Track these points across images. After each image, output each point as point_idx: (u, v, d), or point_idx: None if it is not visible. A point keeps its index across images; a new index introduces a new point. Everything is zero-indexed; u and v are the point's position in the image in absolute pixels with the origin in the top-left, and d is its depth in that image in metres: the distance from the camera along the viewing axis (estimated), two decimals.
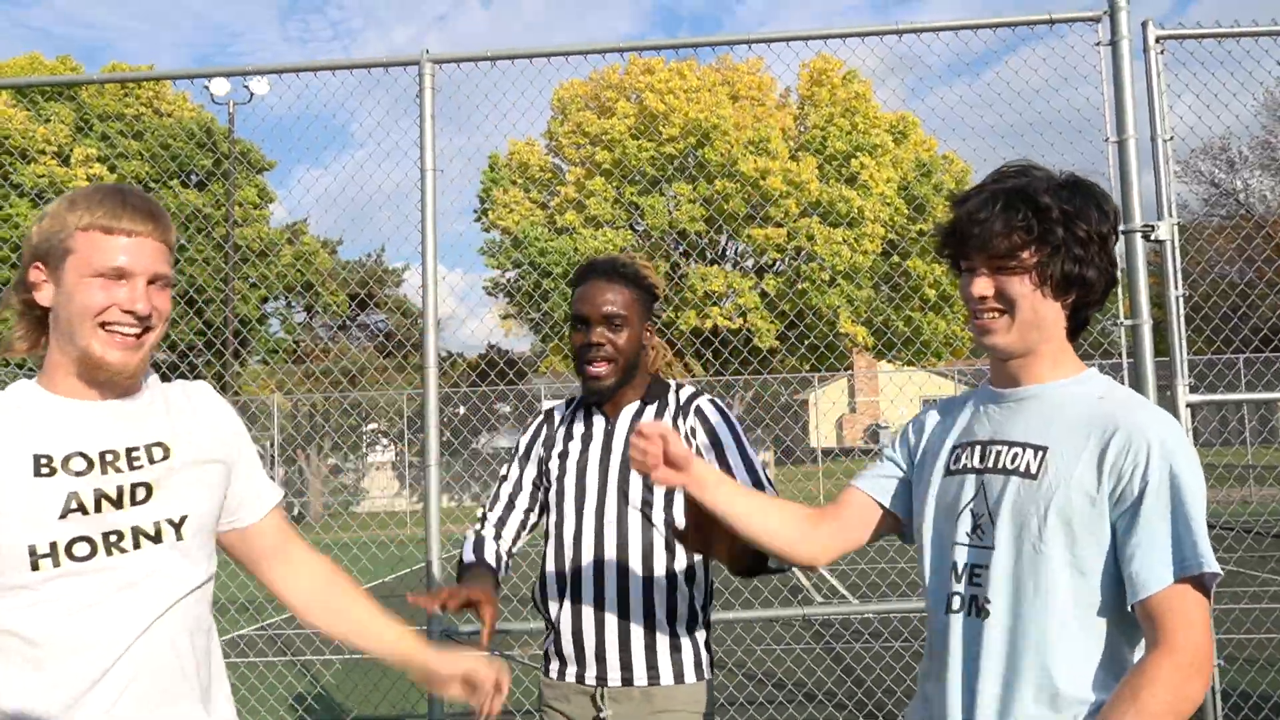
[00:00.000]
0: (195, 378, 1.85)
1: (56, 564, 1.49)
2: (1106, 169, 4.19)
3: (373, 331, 31.36)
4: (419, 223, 4.45)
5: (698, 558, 2.21)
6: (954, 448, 1.70)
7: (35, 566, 1.48)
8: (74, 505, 1.52)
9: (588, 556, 2.22)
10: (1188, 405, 4.14)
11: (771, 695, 6.19)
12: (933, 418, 1.81)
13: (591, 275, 2.29)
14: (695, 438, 2.26)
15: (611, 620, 2.19)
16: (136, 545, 1.57)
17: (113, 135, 24.62)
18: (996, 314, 1.61)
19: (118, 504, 1.56)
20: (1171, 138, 4.24)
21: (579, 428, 2.35)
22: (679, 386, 2.37)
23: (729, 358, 25.16)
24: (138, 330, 1.58)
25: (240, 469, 1.78)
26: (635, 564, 2.19)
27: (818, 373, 25.61)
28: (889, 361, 28.40)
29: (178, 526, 1.62)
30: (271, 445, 22.27)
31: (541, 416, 2.46)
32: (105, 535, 1.54)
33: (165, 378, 1.81)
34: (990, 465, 1.62)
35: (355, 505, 25.60)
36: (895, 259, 24.72)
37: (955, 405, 1.80)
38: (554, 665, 2.29)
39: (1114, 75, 4.22)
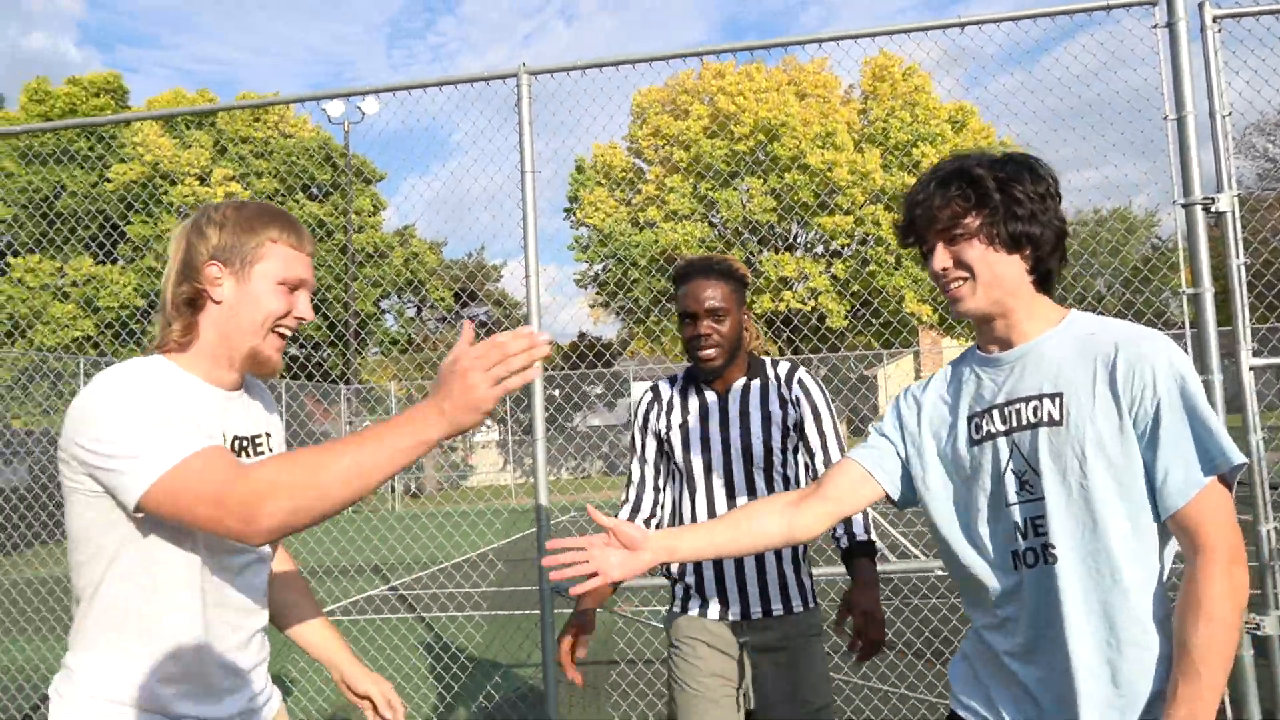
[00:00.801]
0: (321, 370, 1.89)
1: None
2: (1166, 145, 4.04)
3: (475, 323, 31.88)
4: (519, 220, 4.53)
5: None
6: (970, 418, 1.68)
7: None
8: None
9: (721, 508, 2.40)
10: (1250, 369, 3.99)
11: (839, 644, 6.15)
12: (927, 395, 1.78)
13: (693, 275, 2.43)
14: (799, 406, 2.45)
15: (751, 563, 2.39)
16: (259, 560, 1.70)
17: (245, 156, 25.46)
18: (961, 281, 1.62)
19: None
20: (1230, 113, 4.07)
21: (693, 402, 2.49)
22: (775, 362, 2.52)
23: (802, 338, 24.92)
24: (291, 335, 1.66)
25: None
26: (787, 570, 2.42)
27: (887, 349, 25.21)
28: (953, 338, 27.82)
29: None
30: None
31: (650, 395, 2.59)
32: None
33: (295, 374, 1.89)
34: (1016, 424, 1.61)
35: (465, 480, 26.14)
36: None
37: (946, 380, 1.78)
38: (695, 604, 2.44)
39: (1171, 56, 4.07)
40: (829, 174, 24.62)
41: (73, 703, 1.50)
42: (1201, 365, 3.97)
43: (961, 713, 1.73)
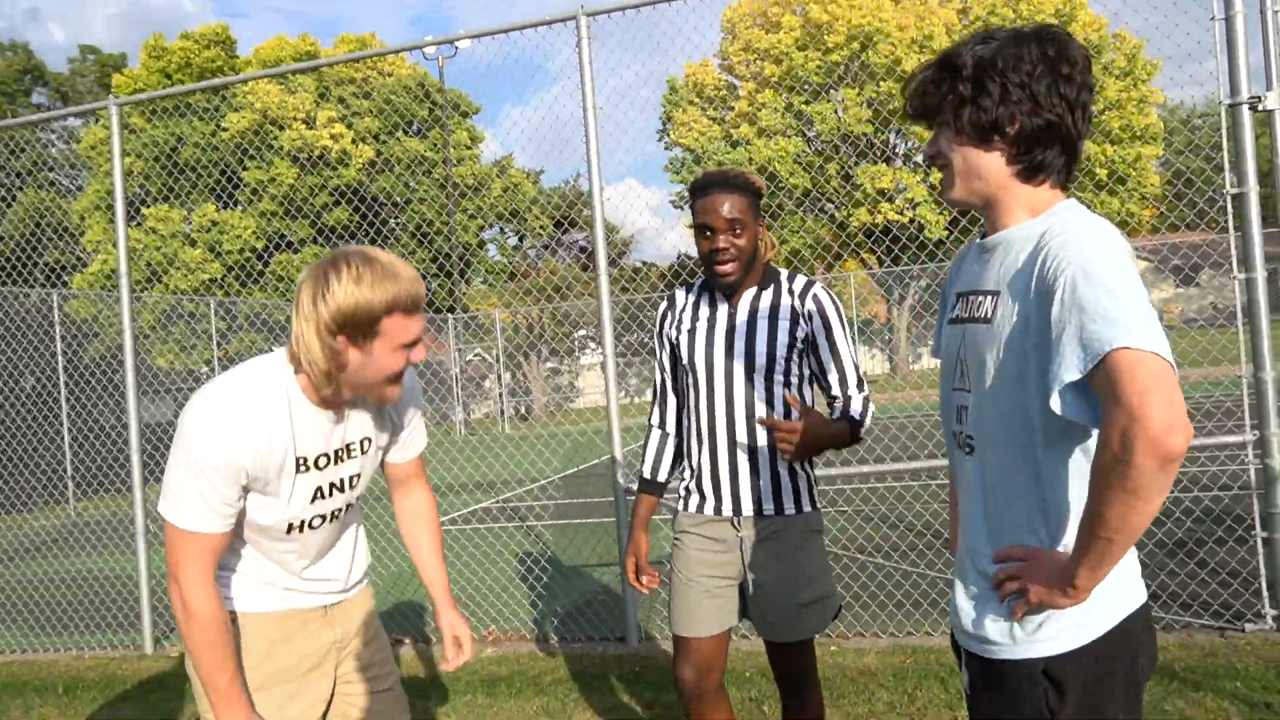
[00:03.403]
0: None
1: (301, 530, 1.95)
2: (1213, 45, 4.05)
3: (575, 249, 32.40)
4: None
5: (804, 402, 2.52)
6: (957, 295, 1.69)
7: (288, 532, 1.94)
8: (319, 495, 1.94)
9: (721, 413, 2.49)
10: None
11: (915, 542, 6.45)
12: (954, 267, 1.78)
13: (710, 188, 2.44)
14: (810, 321, 2.48)
15: (743, 462, 2.47)
16: (345, 513, 2.05)
17: (347, 98, 26.28)
18: (943, 169, 1.59)
19: (341, 489, 1.99)
20: None
21: (705, 311, 2.56)
22: (792, 275, 2.56)
23: (901, 248, 24.51)
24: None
25: (413, 424, 2.16)
26: (759, 415, 2.47)
27: None
28: None
29: (356, 479, 2.06)
30: (497, 353, 23.76)
31: (666, 302, 2.70)
32: (333, 511, 1.99)
33: None
34: (968, 315, 1.60)
35: (572, 402, 26.99)
36: None
37: (962, 254, 1.76)
38: (694, 500, 2.56)
39: None
40: None
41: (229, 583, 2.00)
42: (1246, 265, 4.04)
43: None
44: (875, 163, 25.80)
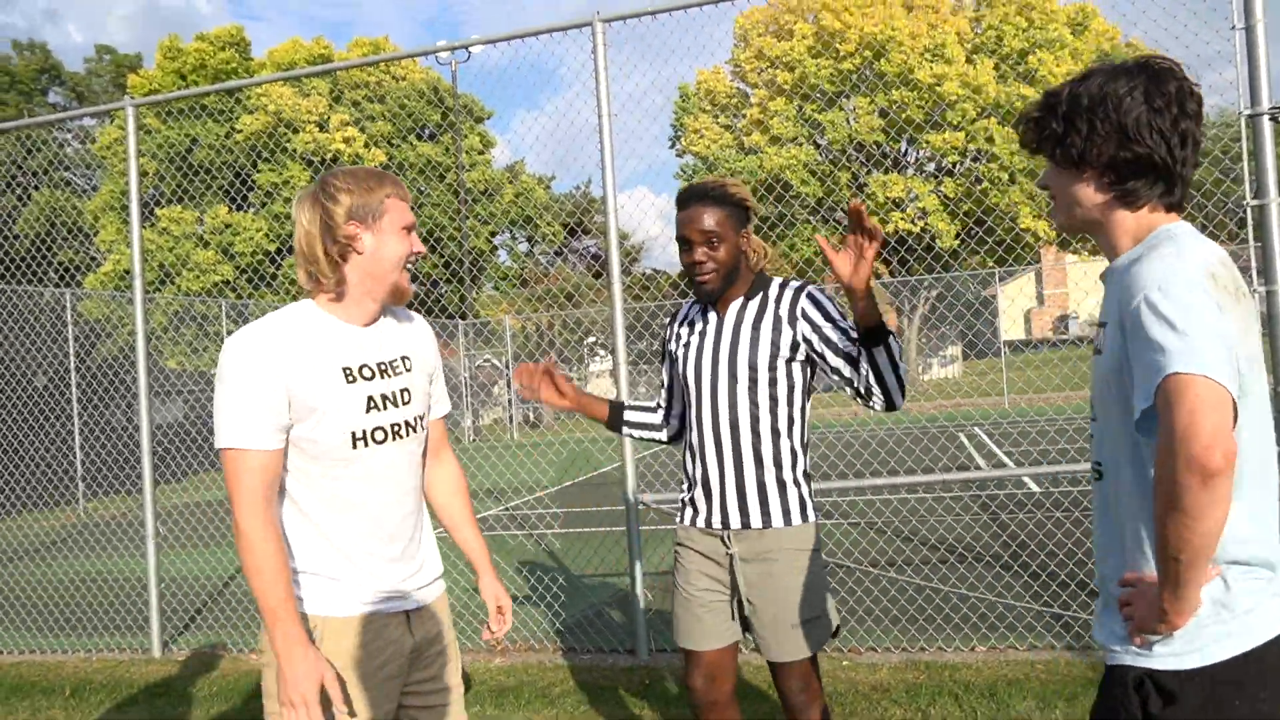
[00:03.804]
0: (440, 306, 2.27)
1: (366, 445, 1.97)
2: (1233, 55, 4.00)
3: (585, 255, 32.42)
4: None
5: (795, 414, 2.48)
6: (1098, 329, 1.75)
7: (354, 445, 1.96)
8: (373, 405, 1.98)
9: (709, 425, 2.50)
10: None
11: (929, 556, 6.41)
12: None
13: (689, 201, 2.47)
14: (804, 320, 2.45)
15: (731, 475, 2.47)
16: (406, 434, 2.06)
17: (360, 101, 26.38)
18: (1051, 198, 1.70)
19: (397, 402, 2.03)
20: None
21: (697, 324, 2.60)
22: (784, 282, 2.55)
23: (916, 258, 24.44)
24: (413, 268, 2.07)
25: (437, 377, 2.24)
26: (744, 428, 2.46)
27: (1001, 267, 24.48)
28: (1074, 253, 26.71)
29: (421, 419, 2.12)
30: (506, 359, 23.76)
31: (669, 319, 2.76)
32: (392, 425, 2.01)
33: (413, 307, 2.29)
34: (1095, 347, 1.67)
35: None
36: None
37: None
38: (688, 513, 2.58)
39: None
40: (938, 89, 23.78)
41: None
42: (1267, 277, 4.00)
43: None
44: (887, 171, 25.77)
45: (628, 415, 2.78)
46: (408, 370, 2.07)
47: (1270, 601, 1.50)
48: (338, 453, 1.94)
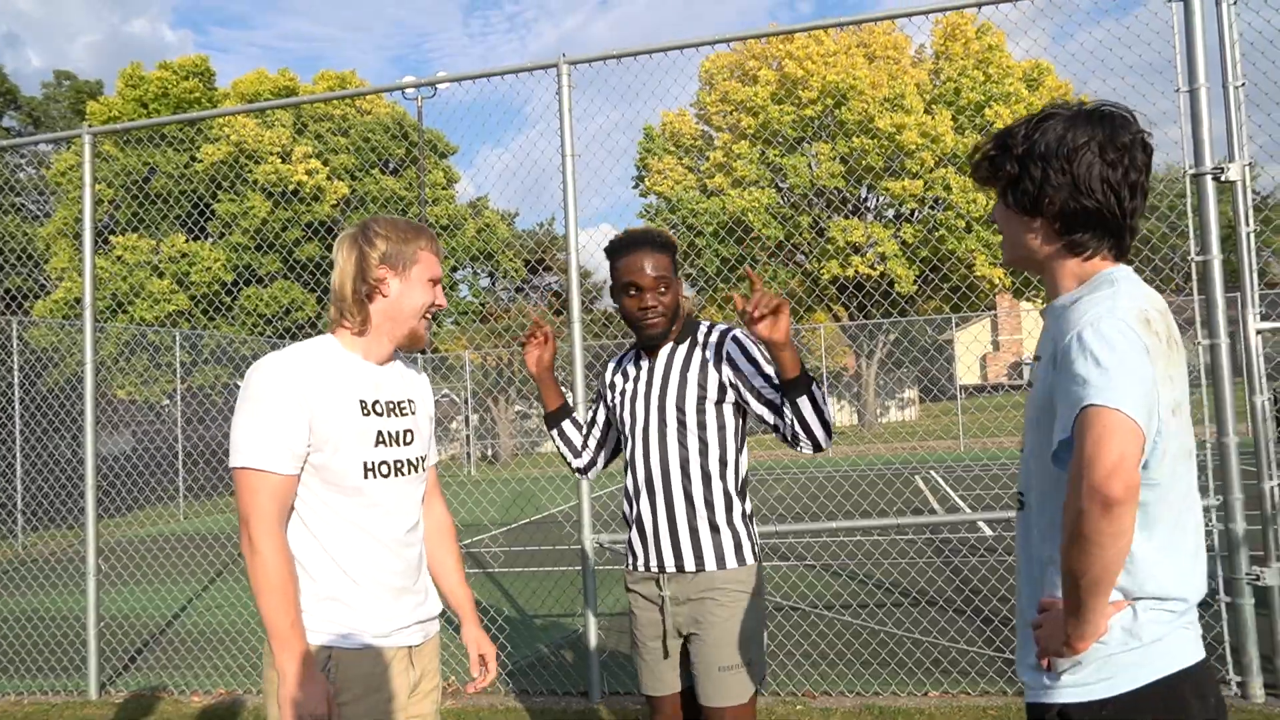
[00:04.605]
0: None
1: (375, 477, 2.03)
2: (1178, 117, 4.16)
3: (546, 292, 32.45)
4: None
5: (727, 457, 2.49)
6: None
7: (365, 475, 2.01)
8: (381, 439, 2.05)
9: (642, 469, 2.52)
10: (1257, 332, 4.12)
11: (883, 600, 6.43)
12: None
13: (635, 247, 2.48)
14: (729, 363, 2.46)
15: (663, 518, 2.48)
16: (408, 472, 2.12)
17: (324, 134, 26.31)
18: (1000, 234, 1.73)
19: (400, 441, 2.10)
20: (1243, 84, 4.16)
21: (630, 370, 2.63)
22: (711, 325, 2.57)
23: (873, 303, 24.81)
24: (434, 317, 2.17)
25: (432, 428, 2.30)
26: (674, 471, 2.47)
27: (957, 313, 24.91)
28: (1029, 300, 27.29)
29: (422, 461, 2.18)
30: (465, 394, 23.59)
31: (607, 362, 2.80)
32: (395, 462, 2.08)
33: None
34: (1027, 381, 1.78)
35: (540, 446, 26.82)
36: None
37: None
38: (630, 557, 2.60)
39: (1185, 29, 4.17)
40: (898, 138, 24.32)
41: None
42: (1210, 330, 4.12)
43: None
44: (847, 216, 26.20)
45: (565, 424, 2.80)
46: (413, 413, 2.17)
47: (1181, 632, 1.53)
48: (350, 481, 2.00)
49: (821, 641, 5.30)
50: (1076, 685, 1.53)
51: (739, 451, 2.53)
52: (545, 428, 2.83)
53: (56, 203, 26.25)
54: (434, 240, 2.15)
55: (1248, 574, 4.02)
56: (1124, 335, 1.44)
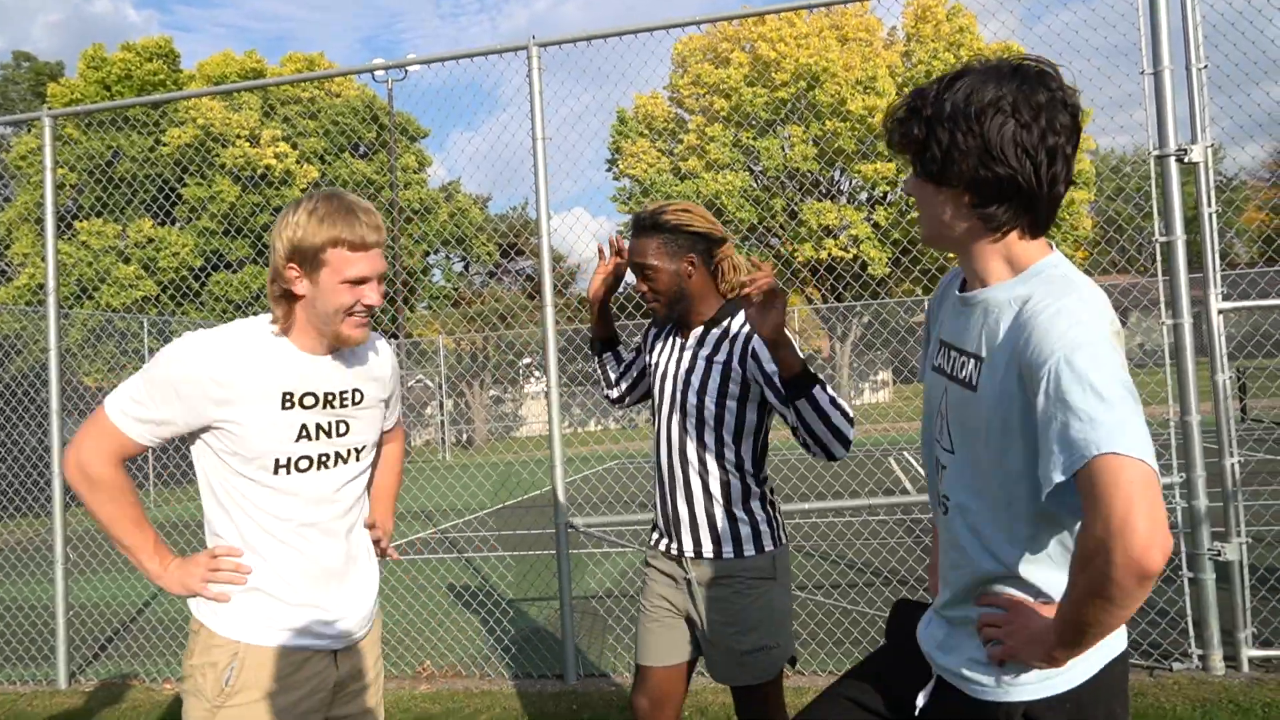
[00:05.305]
0: (372, 326, 2.13)
1: (289, 472, 1.94)
2: (1142, 99, 4.21)
3: (520, 276, 32.33)
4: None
5: (744, 450, 2.46)
6: (939, 343, 1.61)
7: (274, 471, 1.93)
8: (304, 433, 1.95)
9: (664, 453, 2.52)
10: (1220, 312, 4.19)
11: (855, 580, 6.50)
12: (935, 300, 1.70)
13: (632, 233, 2.50)
14: (757, 356, 2.38)
15: (683, 503, 2.47)
16: (335, 464, 2.01)
17: (293, 117, 25.97)
18: (916, 208, 1.53)
19: (331, 433, 1.99)
20: (1205, 66, 4.20)
21: (667, 341, 2.60)
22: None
23: (845, 286, 24.92)
24: (368, 315, 1.98)
25: (393, 400, 2.24)
26: (693, 461, 2.46)
27: (929, 296, 25.09)
28: None
29: (359, 451, 2.07)
30: (440, 380, 23.50)
31: (649, 323, 2.76)
32: (320, 455, 1.98)
33: None
34: (950, 371, 1.54)
35: (516, 430, 26.78)
36: None
37: (943, 294, 1.68)
38: (654, 535, 2.60)
39: (1150, 11, 4.21)
40: (870, 120, 24.39)
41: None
42: (1174, 310, 4.19)
43: None
44: (820, 199, 26.27)
45: (608, 355, 2.81)
46: (355, 404, 2.04)
47: None
48: (258, 475, 1.93)
49: (794, 621, 5.36)
50: (1039, 681, 1.47)
51: (758, 444, 2.49)
52: (590, 351, 2.85)
53: (17, 187, 25.77)
54: (356, 231, 1.87)
55: (1209, 549, 4.10)
56: (1113, 355, 1.31)
